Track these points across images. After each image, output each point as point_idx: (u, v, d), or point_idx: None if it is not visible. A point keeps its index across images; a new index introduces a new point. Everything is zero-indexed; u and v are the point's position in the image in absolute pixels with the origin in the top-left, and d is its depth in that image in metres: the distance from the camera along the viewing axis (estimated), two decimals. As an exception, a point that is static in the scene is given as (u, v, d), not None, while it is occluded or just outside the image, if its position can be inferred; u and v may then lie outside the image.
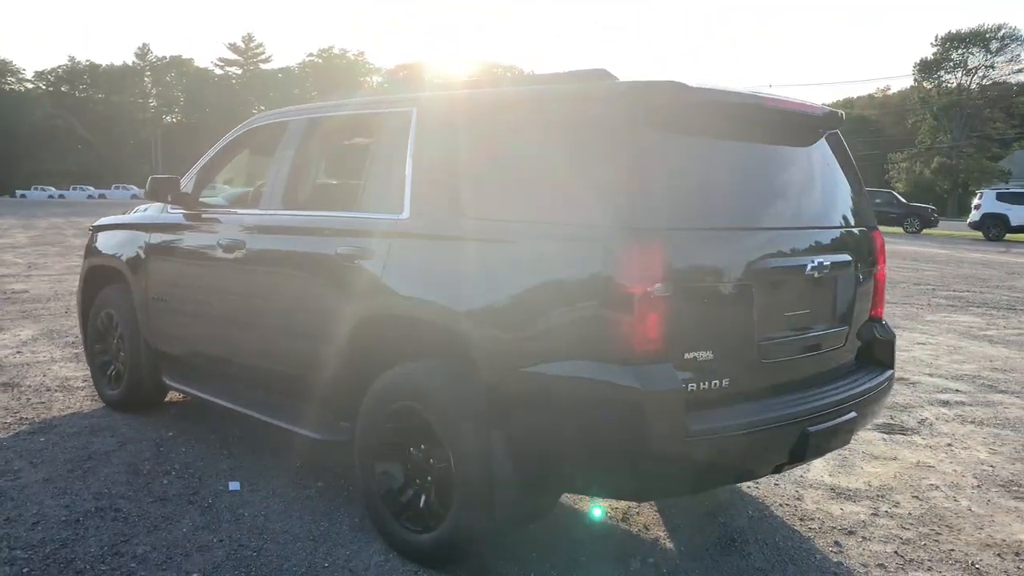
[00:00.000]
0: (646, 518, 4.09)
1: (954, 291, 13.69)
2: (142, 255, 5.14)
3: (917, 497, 4.45)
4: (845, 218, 3.79)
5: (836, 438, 3.45)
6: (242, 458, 4.72)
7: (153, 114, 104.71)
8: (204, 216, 4.81)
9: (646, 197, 2.92)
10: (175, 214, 5.01)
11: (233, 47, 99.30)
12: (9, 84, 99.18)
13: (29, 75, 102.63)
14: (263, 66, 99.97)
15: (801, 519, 4.13)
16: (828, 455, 5.01)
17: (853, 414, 3.45)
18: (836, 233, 3.65)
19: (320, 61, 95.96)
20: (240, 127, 4.93)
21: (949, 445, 5.37)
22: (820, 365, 3.53)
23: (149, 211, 5.38)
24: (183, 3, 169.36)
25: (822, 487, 4.55)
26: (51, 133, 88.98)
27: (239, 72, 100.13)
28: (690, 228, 3.03)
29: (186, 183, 4.98)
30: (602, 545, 3.78)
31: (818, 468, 4.85)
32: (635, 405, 2.81)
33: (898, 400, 6.44)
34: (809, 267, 3.31)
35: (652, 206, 2.92)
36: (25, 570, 3.35)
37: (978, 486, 4.65)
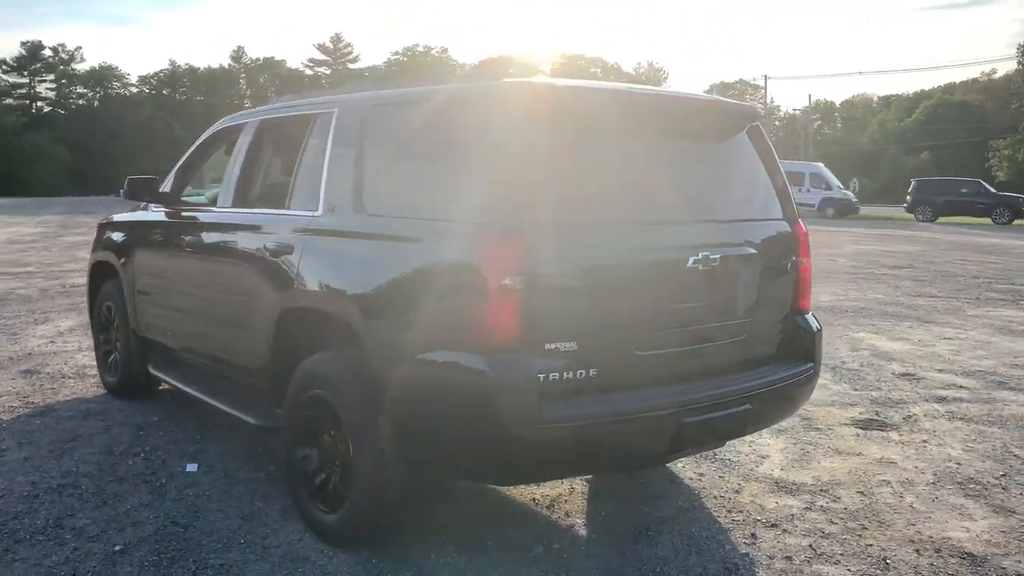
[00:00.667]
0: (571, 505, 4.17)
1: (1013, 284, 13.10)
2: (129, 251, 5.50)
3: (862, 492, 4.39)
4: (754, 212, 3.79)
5: (724, 430, 3.47)
6: (212, 442, 4.99)
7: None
8: (175, 214, 5.11)
9: (509, 193, 3.02)
10: (158, 212, 5.33)
11: (322, 47, 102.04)
12: (115, 89, 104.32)
13: (133, 79, 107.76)
14: (351, 66, 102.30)
15: (729, 511, 4.14)
16: (789, 449, 5.01)
17: (747, 406, 3.47)
18: (736, 227, 3.66)
19: (405, 59, 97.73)
20: (211, 128, 5.22)
21: (924, 442, 5.25)
22: (714, 357, 3.54)
23: (148, 211, 5.72)
24: (275, 6, 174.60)
25: (767, 480, 4.54)
26: (152, 135, 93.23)
27: (328, 72, 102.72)
28: (558, 223, 3.11)
29: (167, 183, 5.30)
30: (512, 530, 3.88)
31: (773, 461, 4.83)
32: (487, 392, 2.94)
33: (892, 396, 6.30)
34: (692, 260, 3.34)
35: (515, 202, 3.02)
36: (-29, 538, 3.68)
37: (933, 483, 4.55)
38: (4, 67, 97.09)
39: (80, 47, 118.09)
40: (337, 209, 3.70)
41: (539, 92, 3.17)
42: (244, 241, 4.29)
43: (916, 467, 4.79)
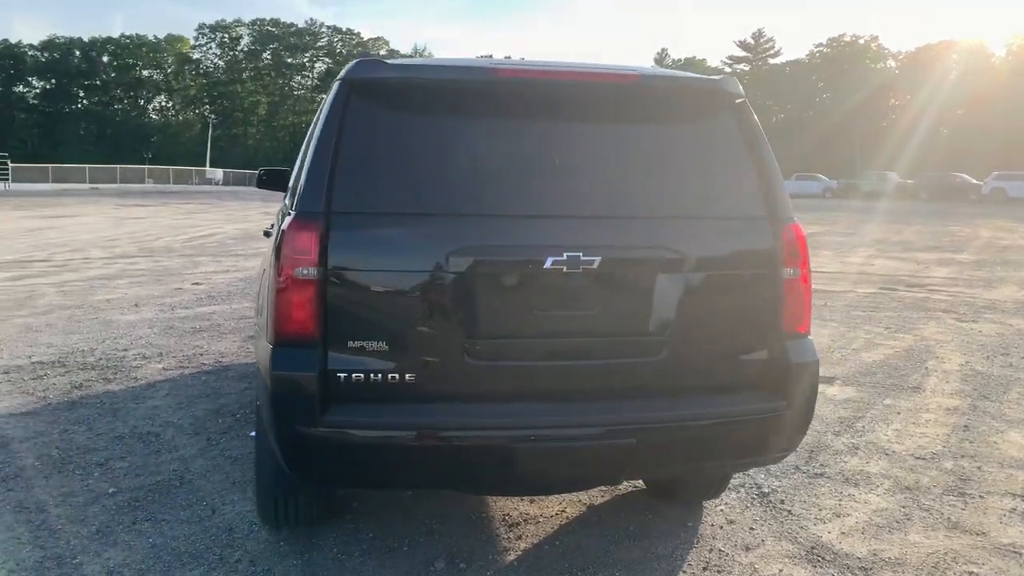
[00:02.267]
0: (538, 528, 3.77)
1: None
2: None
3: (915, 581, 3.35)
4: (700, 208, 3.07)
5: (586, 465, 2.88)
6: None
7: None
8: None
9: (318, 179, 2.84)
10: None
11: (742, 44, 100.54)
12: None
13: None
14: (771, 61, 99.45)
15: (704, 569, 3.43)
16: (890, 510, 4.00)
17: (630, 440, 2.85)
18: (652, 224, 2.98)
19: (829, 50, 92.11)
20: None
21: (1108, 534, 3.81)
22: (598, 377, 2.95)
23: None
24: (702, 6, 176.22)
25: (805, 542, 3.66)
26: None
27: (747, 69, 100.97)
28: (373, 212, 2.85)
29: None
30: (440, 541, 3.61)
31: (848, 520, 3.88)
32: (267, 385, 2.82)
33: None
34: (551, 261, 2.82)
35: (322, 188, 2.83)
36: (25, 459, 4.44)
37: (1043, 589, 3.30)
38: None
39: (508, 55, 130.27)
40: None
41: (361, 70, 2.93)
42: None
43: (1045, 564, 3.50)
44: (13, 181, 46.43)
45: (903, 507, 4.07)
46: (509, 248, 2.87)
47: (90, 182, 56.10)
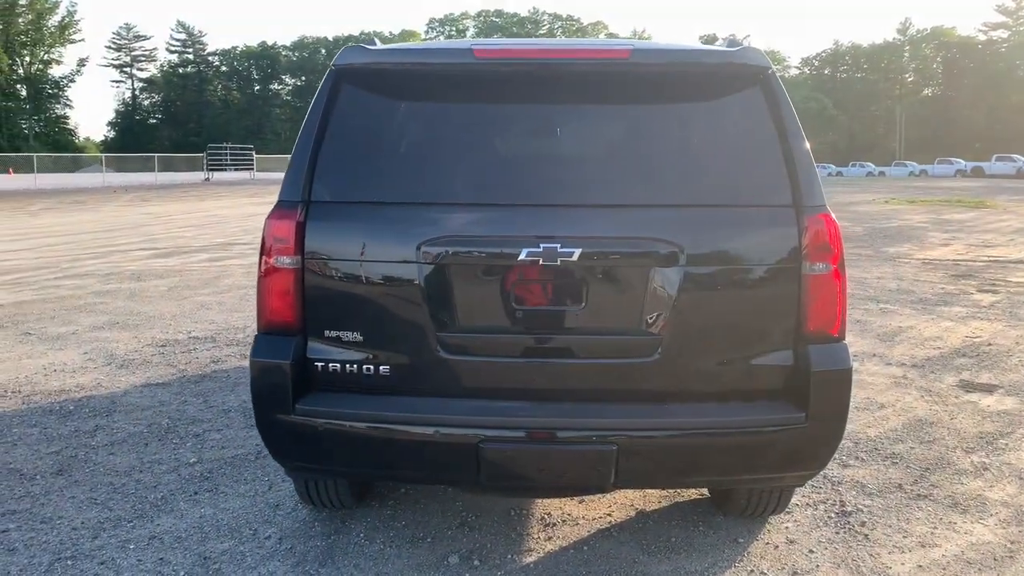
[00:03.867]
0: (572, 531, 3.59)
1: None
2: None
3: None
4: (708, 196, 2.75)
5: (555, 470, 2.67)
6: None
7: (910, 88, 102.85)
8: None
9: (299, 169, 2.84)
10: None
11: (1001, 8, 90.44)
12: (776, 72, 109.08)
13: (795, 62, 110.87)
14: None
15: (735, 592, 3.12)
16: (989, 545, 3.47)
17: (611, 448, 2.63)
18: (646, 214, 2.71)
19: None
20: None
21: None
22: (582, 376, 2.73)
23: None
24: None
25: (867, 575, 3.23)
26: (805, 114, 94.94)
27: (1005, 35, 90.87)
28: (351, 202, 2.82)
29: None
30: (465, 536, 3.53)
31: (935, 553, 3.39)
32: (252, 372, 2.86)
33: None
34: (526, 253, 2.64)
35: (303, 177, 2.82)
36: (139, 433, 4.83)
37: None
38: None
39: (748, 35, 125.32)
40: None
41: (347, 57, 2.88)
42: None
43: None
44: (257, 170, 51.30)
45: (1011, 542, 3.49)
46: (482, 239, 2.73)
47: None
